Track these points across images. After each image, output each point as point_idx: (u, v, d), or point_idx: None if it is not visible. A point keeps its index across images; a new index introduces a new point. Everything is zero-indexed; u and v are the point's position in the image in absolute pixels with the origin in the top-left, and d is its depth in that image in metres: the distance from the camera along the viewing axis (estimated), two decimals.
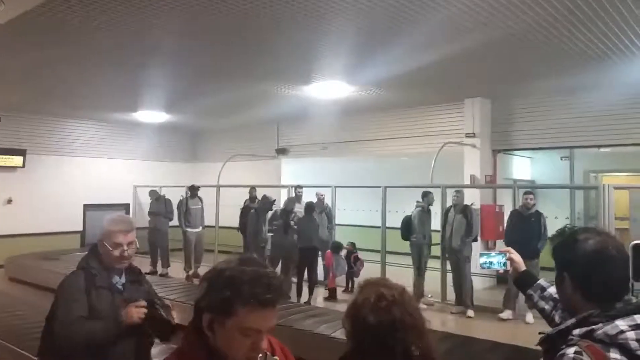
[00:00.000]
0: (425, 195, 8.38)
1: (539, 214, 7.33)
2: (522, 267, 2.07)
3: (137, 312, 2.37)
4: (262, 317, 1.35)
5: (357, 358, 1.61)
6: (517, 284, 2.09)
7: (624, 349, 1.33)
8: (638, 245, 1.55)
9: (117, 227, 2.53)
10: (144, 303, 2.41)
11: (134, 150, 14.17)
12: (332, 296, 8.64)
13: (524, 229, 7.20)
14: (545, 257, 8.68)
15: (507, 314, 7.36)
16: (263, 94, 9.65)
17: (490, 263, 2.13)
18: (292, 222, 8.58)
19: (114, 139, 13.83)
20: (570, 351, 1.35)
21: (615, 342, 1.34)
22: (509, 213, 7.81)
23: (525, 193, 7.46)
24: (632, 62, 6.87)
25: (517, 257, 2.07)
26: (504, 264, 2.09)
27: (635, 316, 1.38)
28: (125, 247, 2.52)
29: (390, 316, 1.55)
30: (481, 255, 2.17)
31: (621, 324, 1.36)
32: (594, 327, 1.38)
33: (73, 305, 2.40)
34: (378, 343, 1.55)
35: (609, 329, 1.35)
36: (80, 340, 2.35)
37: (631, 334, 1.33)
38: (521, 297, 7.48)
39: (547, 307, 1.92)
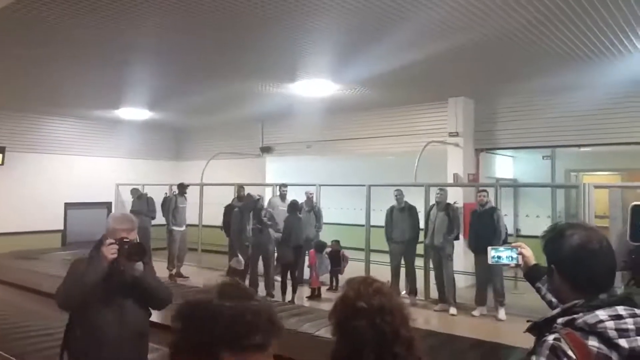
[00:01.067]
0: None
1: (492, 210, 7.52)
2: (532, 261, 2.14)
3: (108, 250, 2.58)
4: None
5: (348, 349, 1.60)
6: (527, 277, 2.16)
7: (602, 337, 1.39)
8: (638, 205, 1.62)
9: (121, 226, 2.72)
10: (112, 241, 2.62)
11: (116, 148, 14.01)
12: (315, 295, 8.63)
13: (480, 226, 7.43)
14: None
15: (478, 311, 7.49)
16: (248, 92, 9.61)
17: (499, 257, 2.17)
18: (264, 219, 8.56)
19: (96, 136, 13.66)
20: (550, 338, 1.43)
21: (594, 330, 1.40)
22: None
23: (479, 191, 7.65)
24: (613, 63, 6.97)
25: (527, 251, 2.15)
26: (515, 259, 2.13)
27: (617, 307, 1.44)
28: None
29: (378, 301, 1.59)
30: (491, 249, 2.21)
31: (601, 313, 1.42)
32: (575, 316, 1.44)
33: (75, 276, 2.67)
34: (369, 327, 1.56)
35: (589, 318, 1.42)
36: (76, 288, 2.61)
37: (610, 324, 1.39)
38: (491, 294, 7.59)
39: (554, 300, 2.01)
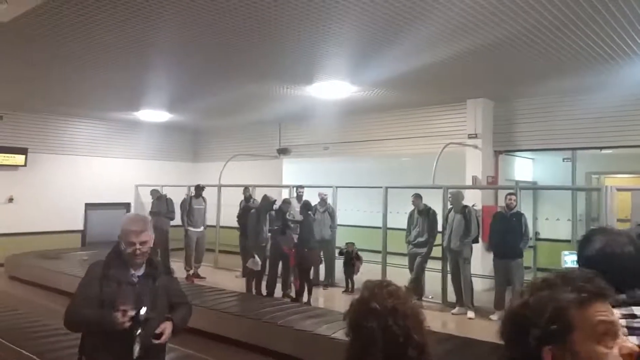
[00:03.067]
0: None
1: (520, 214, 7.39)
2: None
3: (122, 320, 2.47)
4: (606, 311, 1.13)
5: (360, 350, 1.61)
6: None
7: None
8: None
9: (131, 227, 2.68)
10: (130, 307, 2.49)
11: (135, 149, 14.19)
12: (297, 298, 8.28)
13: (506, 230, 7.31)
14: (528, 256, 8.60)
15: (497, 314, 7.38)
16: (265, 94, 9.65)
17: (565, 261, 2.25)
18: (288, 220, 8.59)
19: (116, 137, 13.84)
20: None
21: None
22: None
23: (508, 194, 7.52)
24: (635, 64, 6.85)
25: None
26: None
27: (634, 307, 1.47)
28: (137, 246, 2.65)
29: (391, 303, 1.61)
30: (565, 254, 2.30)
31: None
32: None
33: (85, 289, 2.64)
34: (380, 328, 1.57)
35: None
36: (77, 319, 2.61)
37: (622, 322, 1.40)
38: (510, 298, 7.48)
39: None
